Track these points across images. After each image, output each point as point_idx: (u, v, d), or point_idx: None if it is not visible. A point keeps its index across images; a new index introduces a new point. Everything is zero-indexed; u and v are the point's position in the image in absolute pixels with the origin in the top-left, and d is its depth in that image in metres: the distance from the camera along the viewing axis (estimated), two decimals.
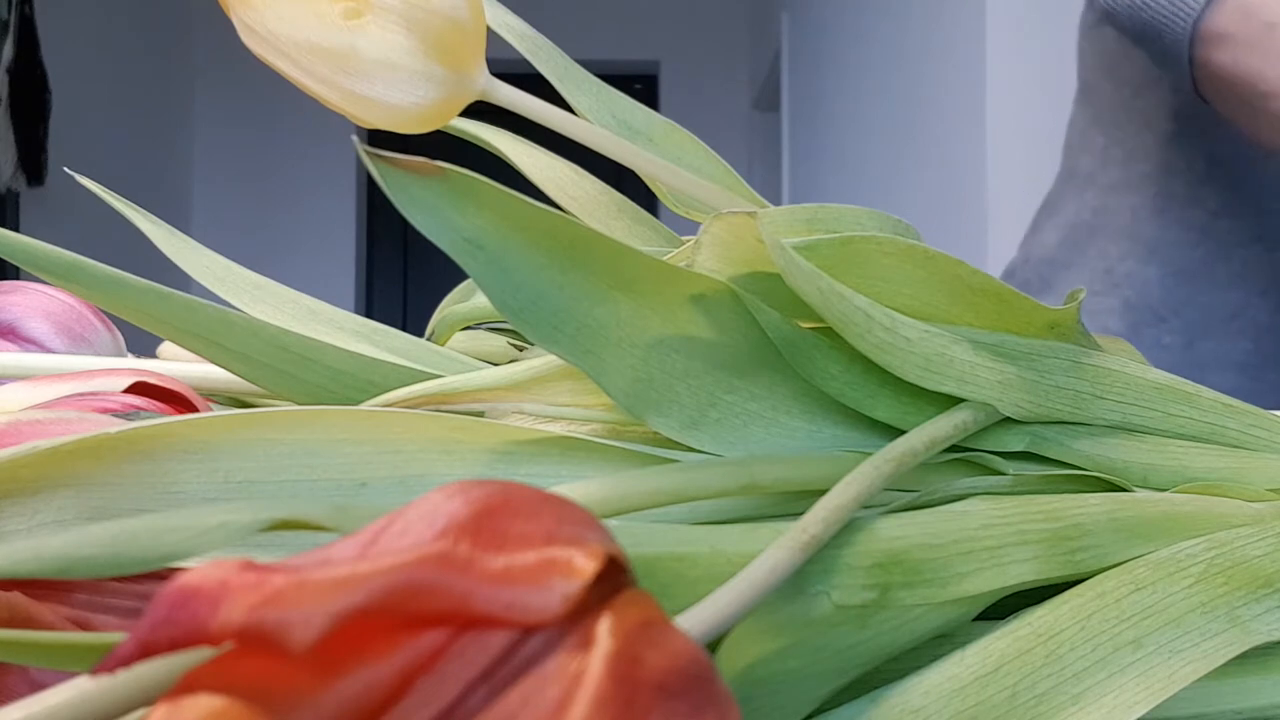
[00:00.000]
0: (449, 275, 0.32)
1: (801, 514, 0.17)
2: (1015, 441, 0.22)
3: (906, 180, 1.84)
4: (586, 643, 0.11)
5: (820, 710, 0.17)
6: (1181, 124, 0.67)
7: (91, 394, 0.22)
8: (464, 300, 0.34)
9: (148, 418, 0.20)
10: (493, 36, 0.27)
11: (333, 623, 0.10)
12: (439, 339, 0.32)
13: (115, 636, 0.14)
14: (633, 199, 0.32)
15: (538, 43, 0.30)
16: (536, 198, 0.19)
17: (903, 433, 0.20)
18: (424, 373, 0.24)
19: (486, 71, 0.26)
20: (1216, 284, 0.69)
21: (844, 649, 0.17)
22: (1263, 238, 0.68)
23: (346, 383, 0.23)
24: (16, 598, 0.15)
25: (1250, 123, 0.57)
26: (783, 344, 0.20)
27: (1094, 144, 0.73)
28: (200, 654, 0.10)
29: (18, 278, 0.29)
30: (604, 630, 0.11)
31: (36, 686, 0.15)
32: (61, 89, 2.92)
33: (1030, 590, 0.19)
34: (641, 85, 3.85)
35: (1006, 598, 0.19)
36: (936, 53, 1.65)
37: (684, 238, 0.32)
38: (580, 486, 0.18)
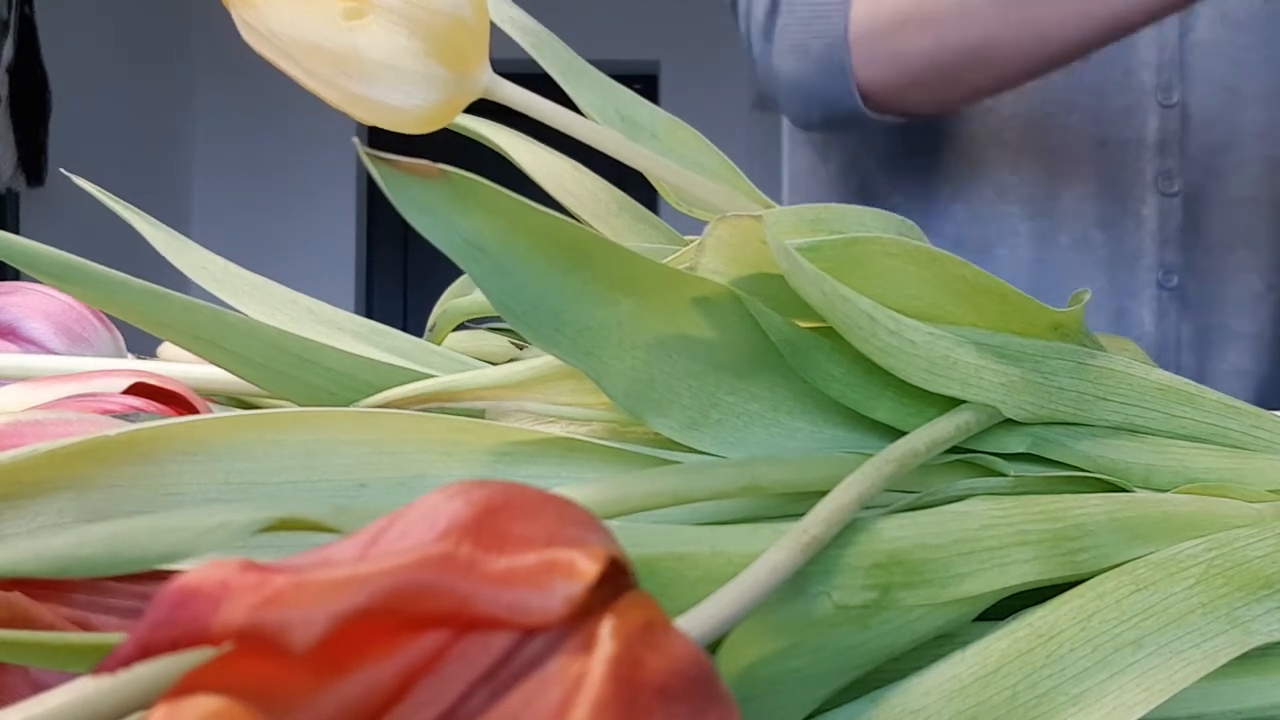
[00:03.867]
0: (449, 275, 0.32)
1: (802, 515, 0.17)
2: (1017, 443, 0.22)
3: None
4: (588, 645, 0.11)
5: (821, 710, 0.17)
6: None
7: (91, 395, 0.22)
8: (465, 294, 0.34)
9: (147, 419, 0.20)
10: (495, 35, 0.27)
11: (333, 623, 0.10)
12: (440, 333, 0.32)
13: (115, 637, 0.14)
14: (633, 195, 0.32)
15: (541, 37, 0.30)
16: (536, 195, 0.19)
17: (904, 434, 0.20)
18: (423, 373, 0.24)
19: (490, 70, 0.26)
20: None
21: (845, 649, 0.17)
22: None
23: (346, 383, 0.23)
24: (16, 598, 0.15)
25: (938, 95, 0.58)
26: (784, 346, 0.20)
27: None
28: (200, 654, 0.10)
29: (18, 278, 0.29)
30: (606, 633, 0.11)
31: (37, 686, 0.15)
32: (61, 89, 2.92)
33: (1031, 591, 0.19)
34: (641, 85, 3.85)
35: (1007, 598, 0.19)
36: None
37: (686, 236, 0.32)
38: (581, 487, 0.18)
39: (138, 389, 0.22)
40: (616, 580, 0.12)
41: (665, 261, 0.21)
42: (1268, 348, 0.65)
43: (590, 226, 0.28)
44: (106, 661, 0.10)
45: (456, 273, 0.19)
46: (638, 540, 0.16)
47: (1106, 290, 0.64)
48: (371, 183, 3.61)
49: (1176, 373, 0.24)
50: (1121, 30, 0.52)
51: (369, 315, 0.32)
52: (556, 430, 0.21)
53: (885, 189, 0.68)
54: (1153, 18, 0.52)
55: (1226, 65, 0.63)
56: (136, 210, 0.28)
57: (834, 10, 0.58)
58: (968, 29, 0.54)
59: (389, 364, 0.24)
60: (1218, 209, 0.64)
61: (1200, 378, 0.62)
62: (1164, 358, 0.64)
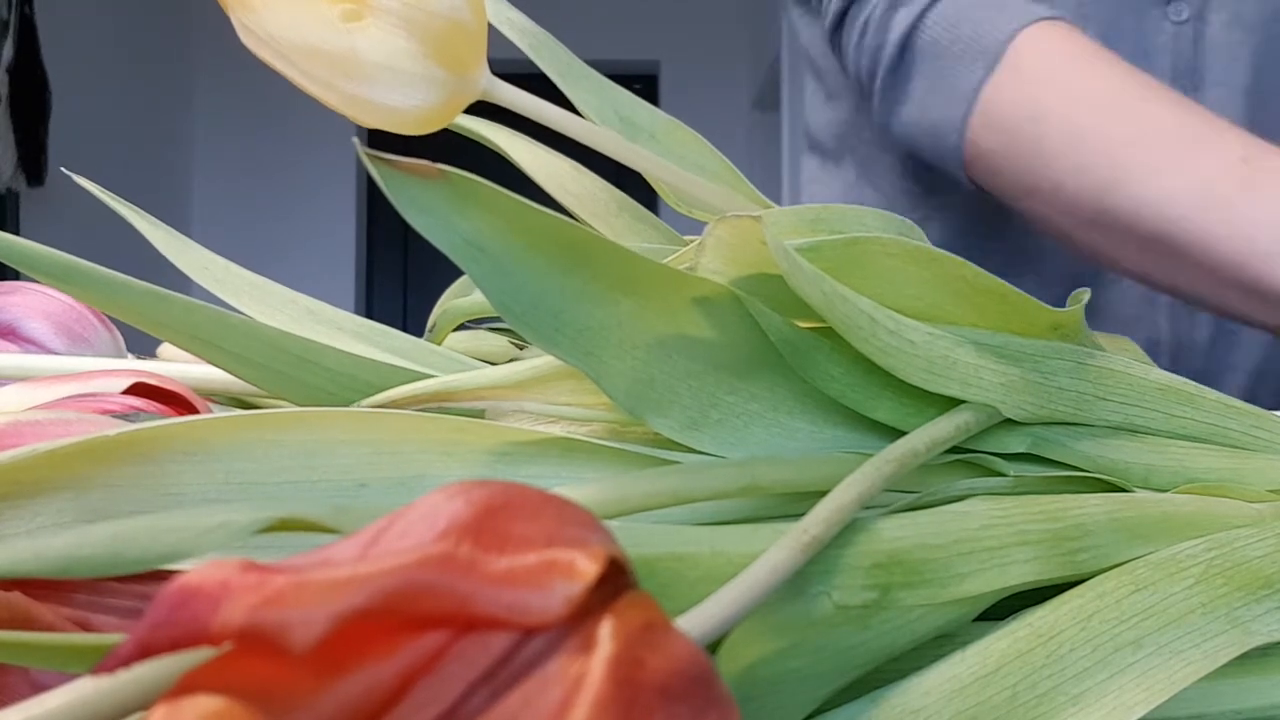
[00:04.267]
0: (449, 275, 0.32)
1: (802, 515, 0.17)
2: (1017, 443, 0.22)
3: None
4: (588, 645, 0.11)
5: (821, 710, 0.17)
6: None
7: (91, 395, 0.22)
8: (464, 294, 0.34)
9: (147, 419, 0.20)
10: (494, 36, 0.27)
11: (333, 623, 0.10)
12: (440, 333, 0.32)
13: (115, 637, 0.14)
14: (633, 195, 0.32)
15: (539, 38, 0.30)
16: (536, 195, 0.19)
17: (903, 434, 0.20)
18: (423, 373, 0.24)
19: (488, 71, 0.26)
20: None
21: (845, 649, 0.17)
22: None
23: (346, 383, 0.23)
24: (17, 598, 0.15)
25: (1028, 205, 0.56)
26: (784, 346, 0.20)
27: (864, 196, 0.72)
28: (200, 654, 0.10)
29: (18, 278, 0.29)
30: (605, 633, 0.11)
31: (37, 687, 0.15)
32: (61, 89, 2.92)
33: (1031, 591, 0.19)
34: (641, 85, 3.85)
35: (1007, 598, 0.19)
36: None
37: (686, 236, 0.32)
38: (581, 488, 0.18)
39: (138, 389, 0.22)
40: (616, 580, 0.12)
41: (665, 261, 0.21)
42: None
43: (590, 226, 0.28)
44: (106, 661, 0.10)
45: (456, 273, 0.19)
46: (638, 540, 0.16)
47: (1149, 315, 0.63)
48: (371, 183, 3.61)
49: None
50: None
51: (369, 315, 0.32)
52: (556, 430, 0.21)
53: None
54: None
55: (1242, 68, 0.63)
56: (137, 210, 0.28)
57: (965, 94, 0.53)
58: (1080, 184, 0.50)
59: (389, 364, 0.24)
60: None
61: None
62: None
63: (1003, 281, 0.22)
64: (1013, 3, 0.54)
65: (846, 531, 0.18)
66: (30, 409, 0.20)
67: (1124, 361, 0.23)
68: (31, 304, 0.28)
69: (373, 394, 0.22)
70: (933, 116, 0.55)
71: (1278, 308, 0.45)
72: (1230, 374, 0.65)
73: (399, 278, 4.04)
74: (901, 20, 0.55)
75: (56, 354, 0.28)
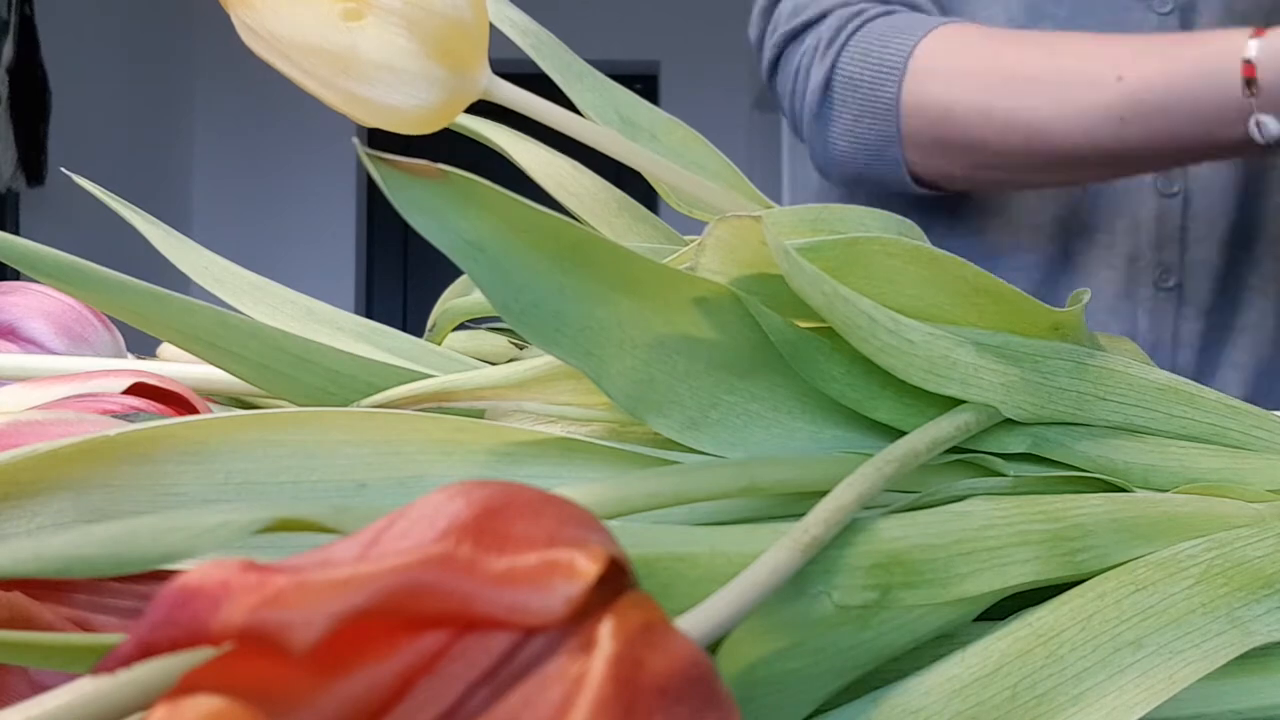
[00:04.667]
0: (449, 275, 0.32)
1: (803, 515, 0.17)
2: (1017, 443, 0.22)
3: None
4: (588, 645, 0.11)
5: (821, 710, 0.17)
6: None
7: (91, 395, 0.22)
8: (464, 294, 0.34)
9: (147, 419, 0.20)
10: (495, 35, 0.27)
11: (334, 623, 0.10)
12: (440, 333, 0.32)
13: (115, 637, 0.14)
14: (633, 195, 0.32)
15: (540, 38, 0.30)
16: (536, 195, 0.19)
17: (904, 434, 0.20)
18: (423, 373, 0.24)
19: (489, 71, 0.26)
20: None
21: (845, 649, 0.17)
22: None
23: (345, 384, 0.23)
24: (17, 598, 0.15)
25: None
26: (784, 346, 0.20)
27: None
28: (200, 654, 0.10)
29: (18, 278, 0.29)
30: (605, 633, 0.11)
31: (37, 687, 0.15)
32: (61, 89, 2.92)
33: (1031, 591, 0.19)
34: (641, 85, 3.85)
35: (1007, 598, 0.19)
36: None
37: (686, 236, 0.32)
38: (581, 488, 0.18)
39: (137, 389, 0.22)
40: (616, 580, 0.12)
41: (665, 261, 0.21)
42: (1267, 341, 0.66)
43: (590, 226, 0.28)
44: (106, 661, 0.10)
45: (456, 273, 0.19)
46: (638, 540, 0.16)
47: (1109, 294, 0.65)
48: (371, 183, 3.61)
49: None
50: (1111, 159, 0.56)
51: (369, 315, 0.32)
52: (556, 430, 0.21)
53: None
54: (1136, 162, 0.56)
55: None
56: (137, 210, 0.28)
57: (887, 108, 0.60)
58: (1010, 123, 0.57)
59: (389, 364, 0.24)
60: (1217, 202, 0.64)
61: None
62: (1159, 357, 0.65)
63: (1003, 281, 0.22)
64: (915, 21, 0.61)
65: (847, 531, 0.18)
66: (30, 409, 0.20)
67: (1124, 361, 0.23)
68: (31, 304, 0.28)
69: (373, 394, 0.22)
70: (867, 138, 0.61)
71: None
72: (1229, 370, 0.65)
73: (399, 278, 4.04)
74: (818, 71, 0.63)
75: (56, 354, 0.28)
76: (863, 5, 0.62)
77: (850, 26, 0.61)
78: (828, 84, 0.62)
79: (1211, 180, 0.64)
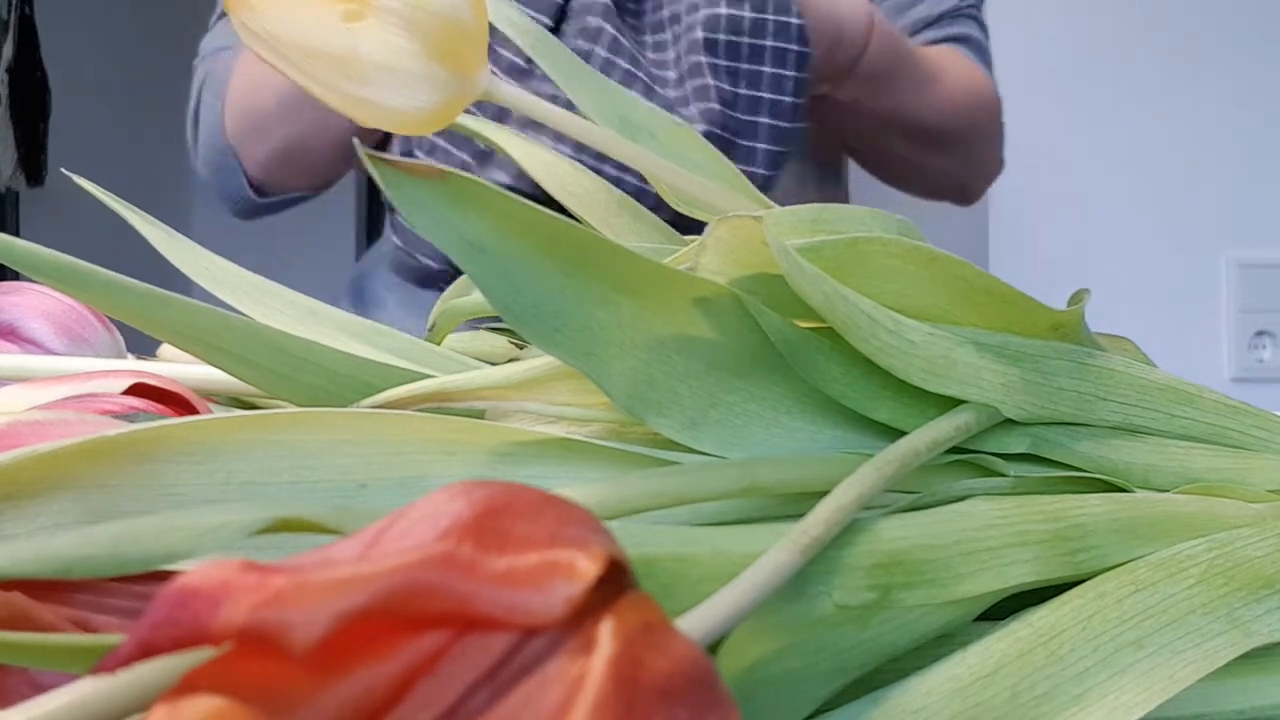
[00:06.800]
0: None
1: (803, 515, 0.17)
2: (1017, 443, 0.22)
3: None
4: (588, 646, 0.11)
5: (821, 711, 0.17)
6: None
7: (91, 395, 0.22)
8: (464, 294, 0.34)
9: (147, 419, 0.20)
10: (495, 35, 0.27)
11: (334, 623, 0.10)
12: (440, 333, 0.32)
13: (115, 637, 0.14)
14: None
15: (540, 37, 0.30)
16: (536, 195, 0.19)
17: (904, 434, 0.20)
18: (423, 373, 0.24)
19: (489, 71, 0.26)
20: None
21: (845, 650, 0.17)
22: None
23: (345, 384, 0.23)
24: (17, 598, 0.15)
25: None
26: (784, 346, 0.20)
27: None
28: (200, 654, 0.10)
29: (18, 278, 0.29)
30: (605, 633, 0.11)
31: (38, 688, 0.15)
32: (61, 89, 2.91)
33: (1031, 591, 0.19)
34: None
35: (1007, 598, 0.19)
36: None
37: (686, 236, 0.32)
38: (582, 488, 0.18)
39: (138, 389, 0.22)
40: (616, 580, 0.12)
41: (665, 261, 0.21)
42: None
43: (590, 226, 0.28)
44: (106, 661, 0.10)
45: (456, 273, 0.19)
46: (638, 540, 0.16)
47: None
48: (371, 183, 3.61)
49: None
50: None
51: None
52: (556, 430, 0.21)
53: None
54: None
55: None
56: (137, 210, 0.28)
57: (215, 123, 0.75)
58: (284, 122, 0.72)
59: (388, 365, 0.24)
60: None
61: None
62: None
63: (1003, 281, 0.22)
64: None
65: (847, 532, 0.18)
66: (30, 409, 0.20)
67: (1124, 361, 0.23)
68: (31, 304, 0.28)
69: (373, 394, 0.22)
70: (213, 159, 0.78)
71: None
72: None
73: None
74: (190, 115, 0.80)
75: (56, 354, 0.28)
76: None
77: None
78: (194, 119, 0.80)
79: None
